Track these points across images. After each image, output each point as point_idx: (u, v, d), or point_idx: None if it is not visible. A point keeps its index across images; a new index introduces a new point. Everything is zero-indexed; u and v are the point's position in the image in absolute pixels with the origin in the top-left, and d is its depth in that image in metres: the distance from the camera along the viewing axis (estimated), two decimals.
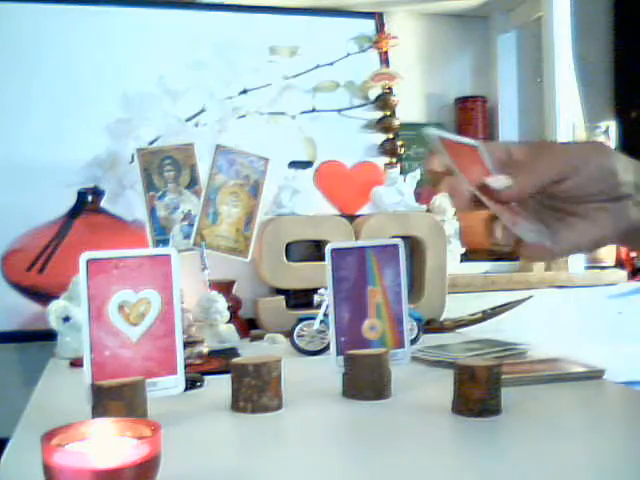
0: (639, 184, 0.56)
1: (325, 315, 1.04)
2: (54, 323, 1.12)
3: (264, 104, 1.63)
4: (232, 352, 1.10)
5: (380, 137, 1.76)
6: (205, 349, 1.03)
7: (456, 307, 1.41)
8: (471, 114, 1.97)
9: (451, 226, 1.62)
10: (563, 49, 1.77)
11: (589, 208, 0.57)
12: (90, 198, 1.49)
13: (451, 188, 0.58)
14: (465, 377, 0.70)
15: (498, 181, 0.55)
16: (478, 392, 0.69)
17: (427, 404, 0.76)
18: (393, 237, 1.13)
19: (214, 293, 1.18)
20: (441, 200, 1.63)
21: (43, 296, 1.40)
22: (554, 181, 0.55)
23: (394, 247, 0.85)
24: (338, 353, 0.82)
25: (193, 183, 1.28)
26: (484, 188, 0.56)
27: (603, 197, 0.56)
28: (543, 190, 0.56)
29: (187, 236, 1.22)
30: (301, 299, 1.34)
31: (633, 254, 1.81)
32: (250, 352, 1.11)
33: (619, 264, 1.79)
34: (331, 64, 1.73)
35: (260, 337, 1.26)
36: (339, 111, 1.74)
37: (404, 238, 0.93)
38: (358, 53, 1.78)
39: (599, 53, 2.03)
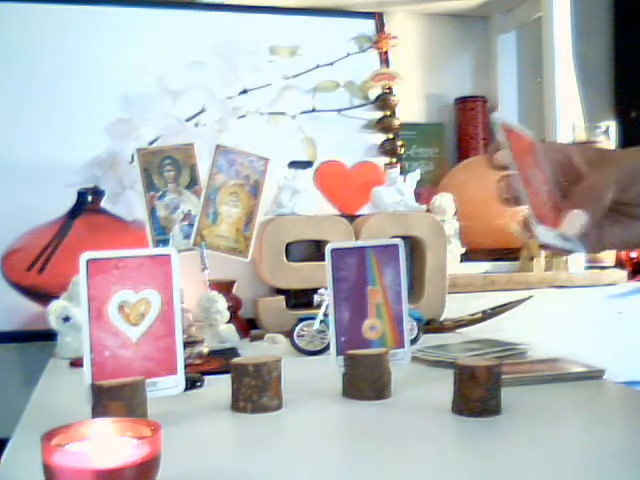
0: None
1: (325, 315, 1.04)
2: (54, 323, 1.12)
3: (264, 104, 1.63)
4: (232, 352, 1.10)
5: (380, 137, 1.76)
6: (205, 349, 1.03)
7: (456, 307, 1.41)
8: (471, 114, 1.97)
9: (451, 226, 1.62)
10: (563, 49, 1.77)
11: (637, 210, 0.59)
12: (90, 198, 1.49)
13: (507, 183, 0.58)
14: (465, 377, 0.70)
15: (574, 222, 0.55)
16: (478, 392, 0.70)
17: (427, 404, 0.76)
18: (393, 237, 1.13)
19: (214, 293, 1.18)
20: (441, 200, 1.63)
21: (43, 296, 1.40)
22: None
23: (394, 247, 0.85)
24: (338, 353, 0.82)
25: (193, 183, 1.27)
26: (528, 181, 0.56)
27: None
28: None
29: (187, 236, 1.22)
30: (301, 299, 1.34)
31: (633, 254, 1.81)
32: (250, 352, 1.11)
33: (619, 264, 1.79)
34: (331, 64, 1.73)
35: (260, 337, 1.26)
36: (339, 111, 1.74)
37: (404, 238, 0.93)
38: (358, 53, 1.78)
39: (599, 53, 2.03)
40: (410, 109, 1.91)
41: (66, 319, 1.11)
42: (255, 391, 0.73)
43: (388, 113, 1.76)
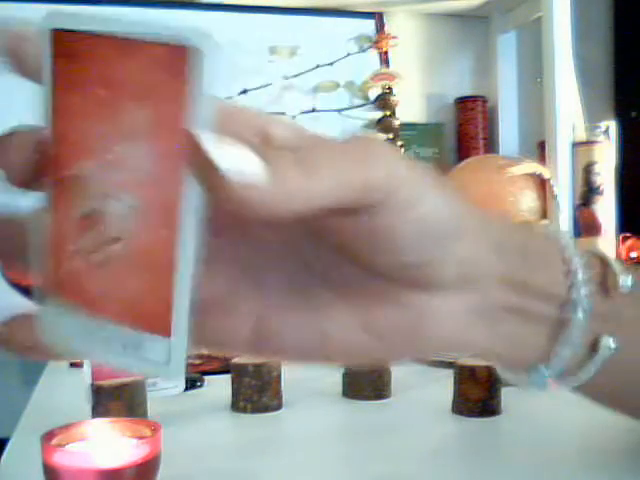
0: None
1: None
2: None
3: (264, 104, 1.63)
4: None
5: (380, 137, 1.76)
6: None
7: None
8: (471, 114, 1.97)
9: None
10: (563, 49, 1.77)
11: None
12: None
13: None
14: (465, 377, 0.70)
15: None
16: (478, 392, 0.70)
17: (427, 404, 0.76)
18: None
19: None
20: None
21: None
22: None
23: None
24: None
25: None
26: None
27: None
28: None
29: None
30: None
31: (633, 254, 1.80)
32: None
33: None
34: (331, 64, 1.73)
35: None
36: (339, 111, 1.74)
37: None
38: (358, 53, 1.78)
39: (599, 53, 2.04)
40: (410, 109, 1.91)
41: None
42: (255, 391, 0.73)
43: (388, 113, 1.76)
